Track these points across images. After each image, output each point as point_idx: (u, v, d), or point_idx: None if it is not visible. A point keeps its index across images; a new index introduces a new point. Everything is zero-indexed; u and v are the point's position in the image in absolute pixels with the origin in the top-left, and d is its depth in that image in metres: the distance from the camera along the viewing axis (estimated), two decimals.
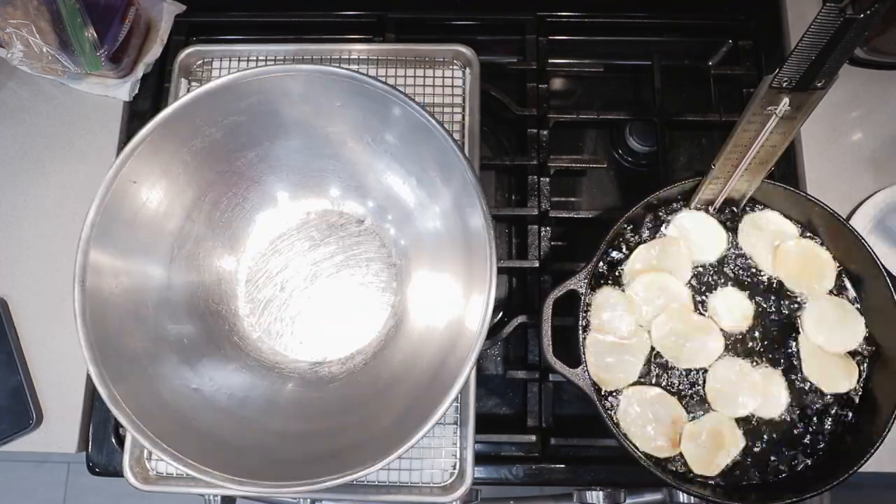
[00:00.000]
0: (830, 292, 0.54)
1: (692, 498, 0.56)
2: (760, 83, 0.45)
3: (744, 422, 0.52)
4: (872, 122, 0.68)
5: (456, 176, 0.51)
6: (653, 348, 0.53)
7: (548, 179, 0.65)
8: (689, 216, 0.55)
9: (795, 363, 0.53)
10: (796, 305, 0.54)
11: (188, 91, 0.60)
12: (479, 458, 0.59)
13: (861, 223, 0.63)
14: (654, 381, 0.53)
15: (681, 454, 0.51)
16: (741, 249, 0.55)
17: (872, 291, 0.53)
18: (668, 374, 0.53)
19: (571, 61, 0.72)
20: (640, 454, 0.50)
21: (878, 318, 0.53)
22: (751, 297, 0.54)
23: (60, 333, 0.63)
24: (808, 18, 0.62)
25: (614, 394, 0.52)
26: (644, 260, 0.54)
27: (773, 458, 0.52)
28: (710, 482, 0.51)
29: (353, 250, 0.61)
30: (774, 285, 0.55)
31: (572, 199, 0.68)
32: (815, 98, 0.45)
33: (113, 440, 0.61)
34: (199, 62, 0.66)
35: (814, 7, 0.70)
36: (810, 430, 0.52)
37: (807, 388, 0.53)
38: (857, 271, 0.54)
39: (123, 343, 0.50)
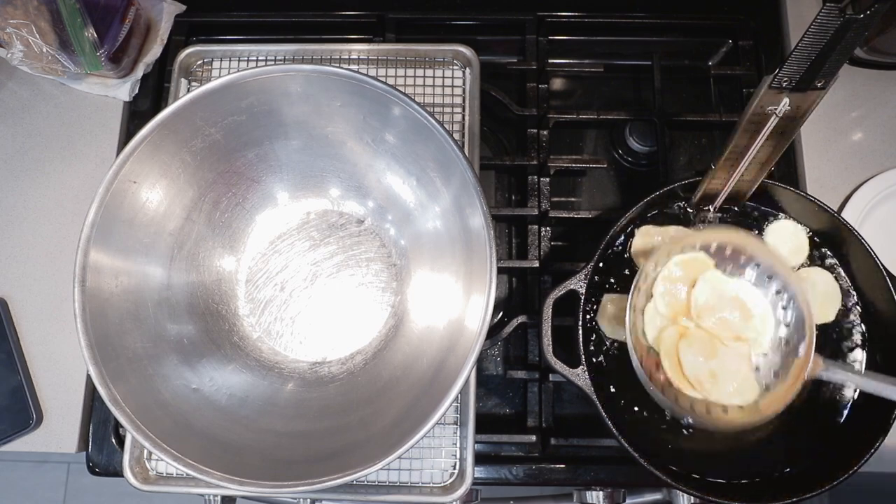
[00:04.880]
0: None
1: (692, 498, 0.56)
2: (760, 83, 0.45)
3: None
4: (872, 122, 0.68)
5: (456, 176, 0.51)
6: None
7: (548, 179, 0.65)
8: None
9: None
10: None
11: (188, 91, 0.60)
12: (479, 458, 0.59)
13: (852, 214, 0.63)
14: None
15: None
16: None
17: (874, 292, 0.53)
18: None
19: (571, 61, 0.72)
20: (638, 454, 0.50)
21: (877, 315, 0.53)
22: None
23: (60, 333, 0.63)
24: (808, 18, 0.63)
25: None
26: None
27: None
28: (708, 482, 0.51)
29: (353, 250, 0.61)
30: None
31: (572, 199, 0.68)
32: (815, 98, 0.45)
33: (113, 440, 0.61)
34: (199, 62, 0.66)
35: (814, 7, 0.70)
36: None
37: None
38: (856, 269, 0.54)
39: (123, 343, 0.50)
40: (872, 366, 0.53)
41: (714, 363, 0.48)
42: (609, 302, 0.55)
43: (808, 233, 0.56)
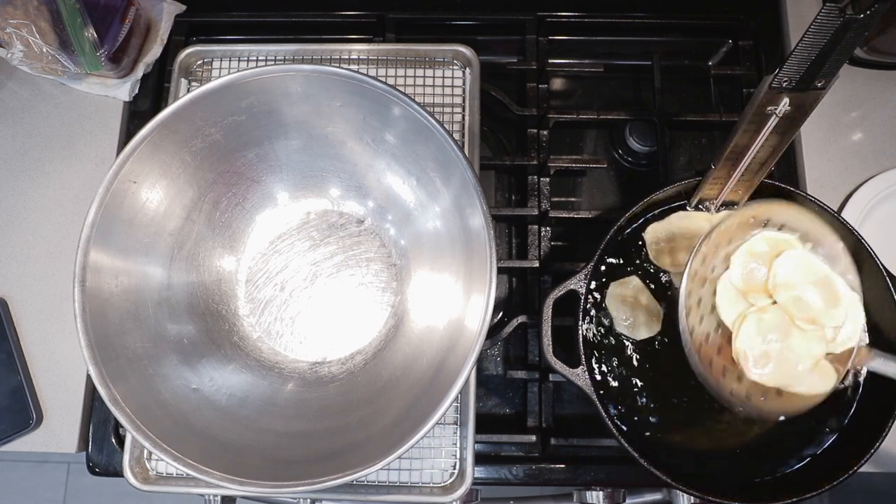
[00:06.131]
0: None
1: (692, 498, 0.56)
2: (760, 83, 0.45)
3: None
4: (872, 122, 0.68)
5: (456, 176, 0.51)
6: None
7: (548, 179, 0.65)
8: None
9: None
10: None
11: (188, 91, 0.60)
12: (479, 458, 0.59)
13: (852, 214, 0.63)
14: None
15: None
16: None
17: (873, 291, 0.53)
18: None
19: (571, 61, 0.72)
20: (638, 454, 0.50)
21: (879, 317, 0.53)
22: None
23: (60, 333, 0.63)
24: (808, 18, 0.63)
25: None
26: None
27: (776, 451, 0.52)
28: (708, 482, 0.51)
29: (353, 250, 0.61)
30: None
31: (572, 199, 0.68)
32: (815, 98, 0.45)
33: (113, 440, 0.61)
34: (199, 62, 0.66)
35: (814, 7, 0.70)
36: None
37: None
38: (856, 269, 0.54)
39: (123, 343, 0.50)
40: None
41: (779, 346, 0.46)
42: (624, 283, 0.55)
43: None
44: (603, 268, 0.55)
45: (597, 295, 0.55)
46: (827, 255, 0.48)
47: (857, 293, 0.47)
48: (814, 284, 0.47)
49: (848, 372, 0.46)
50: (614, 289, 0.55)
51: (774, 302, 0.48)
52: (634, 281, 0.55)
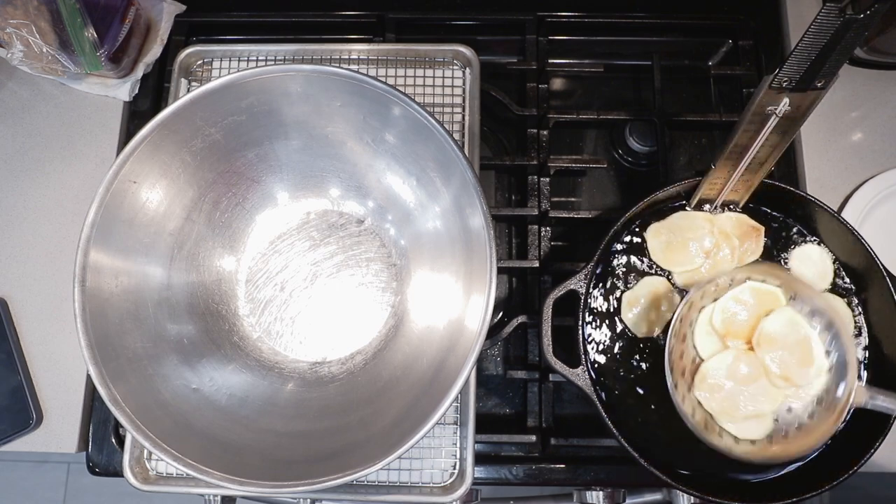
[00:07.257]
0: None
1: (692, 498, 0.56)
2: (760, 83, 0.45)
3: None
4: (872, 122, 0.68)
5: (456, 176, 0.51)
6: None
7: (548, 179, 0.65)
8: None
9: None
10: None
11: (188, 91, 0.60)
12: (479, 458, 0.59)
13: (852, 215, 0.63)
14: None
15: None
16: None
17: (872, 290, 0.53)
18: None
19: (571, 61, 0.72)
20: (638, 454, 0.50)
21: (877, 315, 0.53)
22: None
23: (60, 333, 0.63)
24: (808, 18, 0.63)
25: None
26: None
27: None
28: (709, 482, 0.51)
29: (353, 250, 0.61)
30: None
31: (572, 199, 0.68)
32: (815, 98, 0.45)
33: (113, 440, 0.61)
34: (199, 62, 0.66)
35: (814, 7, 0.70)
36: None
37: None
38: (856, 269, 0.54)
39: (123, 343, 0.50)
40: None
41: (739, 390, 0.48)
42: (660, 282, 0.55)
43: (834, 258, 0.55)
44: (610, 264, 0.55)
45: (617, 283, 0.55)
46: (808, 307, 0.49)
47: (826, 359, 0.49)
48: (796, 343, 0.49)
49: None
50: (650, 279, 0.55)
51: (751, 349, 0.50)
52: (670, 290, 0.55)
